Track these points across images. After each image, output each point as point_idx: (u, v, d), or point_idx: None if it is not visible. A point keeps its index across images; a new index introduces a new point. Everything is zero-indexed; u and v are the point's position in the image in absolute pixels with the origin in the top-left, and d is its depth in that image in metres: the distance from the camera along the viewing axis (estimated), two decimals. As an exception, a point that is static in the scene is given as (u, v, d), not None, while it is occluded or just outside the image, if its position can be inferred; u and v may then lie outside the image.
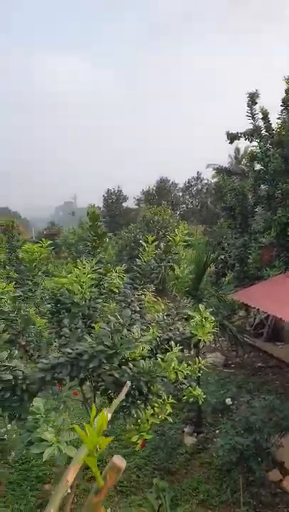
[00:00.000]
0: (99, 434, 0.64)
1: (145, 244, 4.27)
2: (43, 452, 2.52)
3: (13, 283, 4.36)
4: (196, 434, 6.87)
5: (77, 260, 4.67)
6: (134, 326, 3.47)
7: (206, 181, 38.99)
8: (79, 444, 2.58)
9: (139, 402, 3.73)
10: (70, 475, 0.68)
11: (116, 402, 0.91)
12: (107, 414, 0.88)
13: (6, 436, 5.58)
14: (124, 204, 41.51)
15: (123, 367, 3.55)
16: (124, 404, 3.78)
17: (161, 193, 40.41)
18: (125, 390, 0.83)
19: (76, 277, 4.37)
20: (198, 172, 40.61)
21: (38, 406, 2.80)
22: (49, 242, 5.40)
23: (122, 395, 0.84)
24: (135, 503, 4.78)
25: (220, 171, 10.98)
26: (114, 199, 40.36)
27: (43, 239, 5.37)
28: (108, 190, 40.80)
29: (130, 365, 3.57)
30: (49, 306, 5.10)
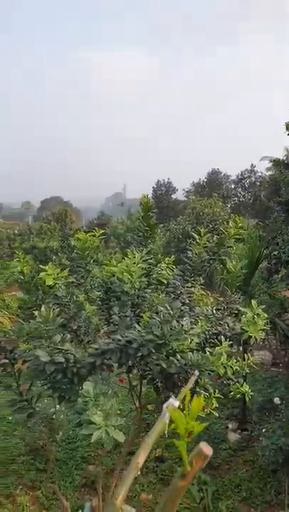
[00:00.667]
0: (192, 418, 0.63)
1: (197, 237, 4.22)
2: (91, 434, 2.58)
3: (67, 269, 4.49)
4: (240, 430, 6.76)
5: (126, 250, 4.71)
6: (184, 318, 3.46)
7: (259, 174, 37.72)
8: (125, 430, 2.62)
9: (185, 393, 3.73)
10: (141, 457, 0.69)
11: (184, 390, 0.90)
12: (176, 402, 0.87)
13: (54, 416, 5.83)
14: (174, 196, 41.29)
15: (171, 358, 3.56)
16: (169, 394, 3.80)
17: (212, 185, 39.71)
18: (193, 379, 0.82)
19: (126, 267, 4.42)
20: (252, 164, 39.36)
21: (87, 389, 2.88)
22: (101, 231, 5.50)
23: (190, 384, 0.83)
24: (176, 492, 4.79)
25: (277, 163, 10.52)
26: (163, 190, 40.27)
27: (95, 228, 5.47)
28: (158, 181, 40.78)
29: (178, 356, 3.57)
30: (99, 293, 5.22)
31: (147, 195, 4.64)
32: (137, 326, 3.67)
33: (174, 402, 0.89)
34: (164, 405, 0.85)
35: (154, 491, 4.68)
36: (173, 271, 4.69)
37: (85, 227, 24.95)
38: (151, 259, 4.65)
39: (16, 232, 23.89)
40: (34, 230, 21.70)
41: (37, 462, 5.11)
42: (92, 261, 5.41)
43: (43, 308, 3.32)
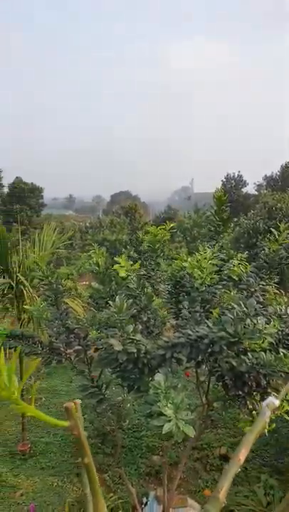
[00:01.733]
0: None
1: (276, 233, 4.05)
2: (162, 425, 2.62)
3: (138, 262, 4.58)
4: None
5: (192, 245, 4.66)
6: (259, 318, 3.35)
7: None
8: (191, 425, 2.61)
9: (254, 393, 3.64)
10: (242, 454, 0.69)
11: (286, 388, 0.87)
12: (277, 401, 0.86)
13: (121, 405, 6.04)
14: (244, 189, 40.06)
15: (242, 356, 3.48)
16: (239, 393, 3.72)
17: (286, 178, 37.85)
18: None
19: (197, 262, 4.39)
20: None
21: (159, 381, 2.91)
22: (171, 225, 5.51)
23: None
24: (242, 493, 4.73)
25: None
26: (233, 184, 39.25)
27: (166, 221, 5.50)
28: (227, 174, 39.82)
29: (249, 355, 3.48)
30: (168, 286, 5.25)
31: (222, 189, 4.55)
32: (207, 321, 3.64)
33: (274, 400, 0.86)
34: (264, 404, 0.83)
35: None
36: (246, 267, 4.56)
37: (152, 221, 25.20)
38: (223, 254, 4.57)
39: (87, 225, 24.89)
40: (104, 223, 22.44)
41: (104, 446, 5.32)
42: (161, 254, 5.47)
43: (117, 299, 3.42)
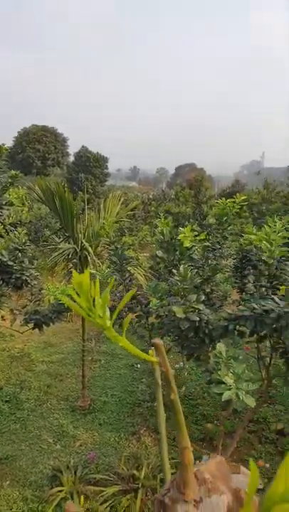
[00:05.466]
0: None
1: None
2: (222, 393, 2.62)
3: (205, 233, 4.51)
4: None
5: (261, 222, 4.46)
6: None
7: None
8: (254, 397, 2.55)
9: None
10: None
11: None
12: None
13: (179, 372, 6.18)
14: None
15: (308, 334, 3.34)
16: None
17: None
18: None
19: (266, 234, 4.22)
20: None
21: (220, 350, 2.91)
22: (243, 197, 5.31)
23: None
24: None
25: None
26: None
27: (236, 193, 5.32)
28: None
29: (317, 334, 3.33)
30: (234, 260, 5.14)
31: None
32: (274, 297, 3.52)
33: None
34: None
35: (271, 462, 4.61)
36: None
37: (217, 196, 24.52)
38: (294, 228, 4.33)
39: (150, 196, 24.94)
40: (168, 195, 22.31)
41: (160, 410, 5.50)
42: (228, 227, 5.32)
43: (181, 268, 3.42)
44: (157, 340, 0.61)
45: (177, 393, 0.62)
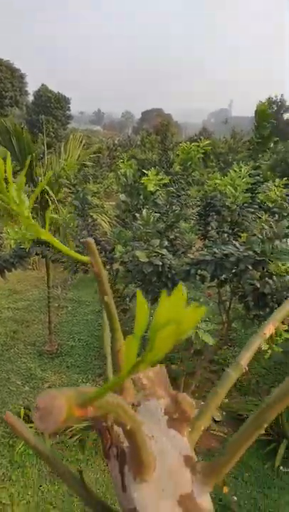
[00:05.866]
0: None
1: None
2: (182, 333, 2.72)
3: (168, 178, 4.44)
4: None
5: (227, 171, 4.45)
6: (289, 239, 3.28)
7: None
8: (213, 335, 2.67)
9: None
10: (267, 329, 0.67)
11: None
12: None
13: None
14: (285, 116, 37.17)
15: (266, 279, 3.48)
16: (260, 313, 3.79)
17: None
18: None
19: (231, 180, 4.22)
20: None
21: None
22: (206, 141, 5.21)
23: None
24: (252, 402, 5.08)
25: None
26: (274, 109, 36.37)
27: (201, 137, 5.21)
28: (269, 97, 36.71)
29: (274, 278, 3.47)
30: (198, 208, 5.15)
31: (266, 103, 4.18)
32: (235, 242, 3.60)
33: None
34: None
35: (229, 397, 4.99)
36: (281, 192, 4.37)
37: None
38: (258, 175, 4.36)
39: (116, 142, 24.10)
40: (134, 141, 21.63)
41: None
42: (192, 173, 5.27)
43: (144, 212, 3.38)
44: (88, 239, 0.59)
45: (112, 296, 0.61)
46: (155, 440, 0.54)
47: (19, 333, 6.66)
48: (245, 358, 0.66)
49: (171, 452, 0.52)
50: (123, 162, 4.35)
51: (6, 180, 0.49)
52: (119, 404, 0.43)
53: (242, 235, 4.31)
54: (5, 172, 0.48)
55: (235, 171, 4.25)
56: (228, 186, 3.95)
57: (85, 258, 0.57)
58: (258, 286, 3.47)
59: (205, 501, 0.44)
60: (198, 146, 5.10)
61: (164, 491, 0.46)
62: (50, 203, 4.82)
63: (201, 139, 5.19)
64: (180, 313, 0.34)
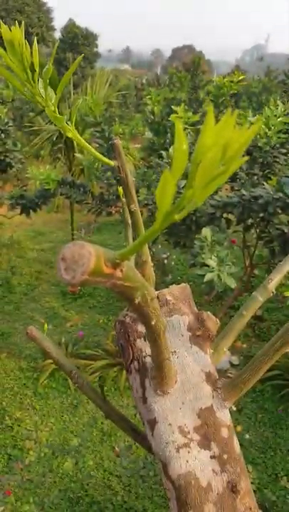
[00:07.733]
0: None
1: None
2: (204, 275, 2.67)
3: (198, 115, 4.17)
4: None
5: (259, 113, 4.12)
6: None
7: None
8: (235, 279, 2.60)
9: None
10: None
11: None
12: None
13: (165, 261, 6.36)
14: None
15: (295, 224, 3.33)
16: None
17: None
18: None
19: (266, 118, 3.93)
20: None
21: (205, 235, 2.89)
22: (241, 76, 4.83)
23: None
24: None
25: None
26: None
27: (235, 72, 4.82)
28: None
29: (304, 223, 3.32)
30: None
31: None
32: (265, 184, 3.41)
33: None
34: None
35: (248, 342, 5.04)
36: None
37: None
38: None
39: (143, 82, 22.87)
40: (162, 80, 20.43)
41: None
42: (224, 109, 4.94)
43: (170, 149, 3.22)
44: (116, 140, 0.53)
45: (138, 206, 0.55)
46: (177, 355, 0.55)
47: (43, 274, 6.82)
48: (273, 282, 0.59)
49: (192, 367, 0.52)
50: (151, 99, 4.09)
51: (32, 69, 0.44)
52: (144, 285, 0.41)
53: (273, 178, 4.09)
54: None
55: (270, 109, 3.94)
56: (262, 126, 3.68)
57: (111, 162, 0.51)
58: (286, 231, 3.33)
59: (224, 416, 0.43)
60: (232, 81, 4.74)
61: (184, 403, 0.47)
62: (75, 144, 4.67)
63: (235, 73, 4.80)
64: (228, 136, 0.30)
